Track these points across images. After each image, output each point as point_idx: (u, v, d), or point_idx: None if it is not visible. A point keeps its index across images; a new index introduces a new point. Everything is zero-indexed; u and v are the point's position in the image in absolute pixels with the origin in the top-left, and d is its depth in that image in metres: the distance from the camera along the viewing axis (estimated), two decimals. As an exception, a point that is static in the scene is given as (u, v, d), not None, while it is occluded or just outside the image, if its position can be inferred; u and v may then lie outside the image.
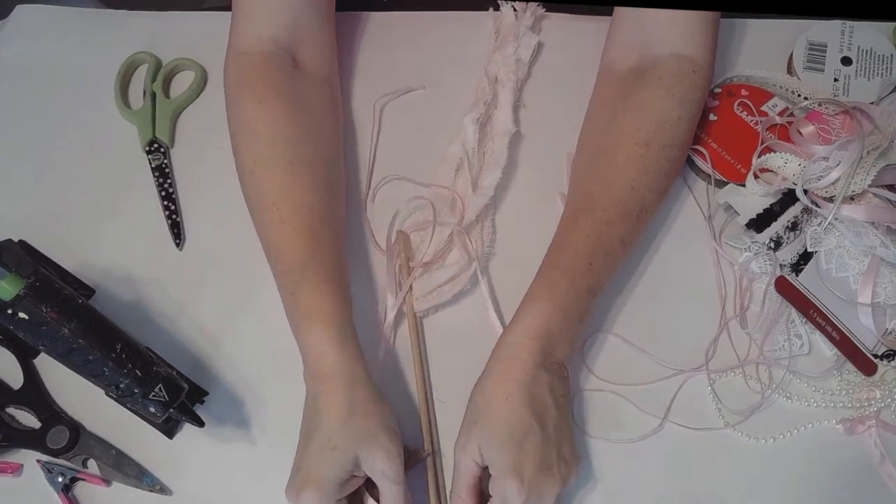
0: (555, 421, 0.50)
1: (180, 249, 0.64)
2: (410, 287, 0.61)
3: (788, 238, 0.59)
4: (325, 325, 0.51)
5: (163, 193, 0.66)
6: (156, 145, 0.69)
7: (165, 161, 0.68)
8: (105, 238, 0.65)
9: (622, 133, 0.57)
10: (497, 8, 0.72)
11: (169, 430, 0.57)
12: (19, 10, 0.77)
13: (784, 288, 0.58)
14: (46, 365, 0.60)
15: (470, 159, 0.65)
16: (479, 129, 0.65)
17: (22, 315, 0.46)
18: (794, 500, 0.53)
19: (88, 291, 0.62)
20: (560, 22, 0.73)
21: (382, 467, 0.48)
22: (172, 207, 0.66)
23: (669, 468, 0.55)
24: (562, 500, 0.54)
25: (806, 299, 0.57)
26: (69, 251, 0.63)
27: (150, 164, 0.68)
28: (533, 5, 0.72)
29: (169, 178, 0.67)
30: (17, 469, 0.56)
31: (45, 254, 0.59)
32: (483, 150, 0.66)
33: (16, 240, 0.58)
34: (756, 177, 0.60)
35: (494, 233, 0.63)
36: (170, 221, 0.65)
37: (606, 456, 0.55)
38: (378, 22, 0.74)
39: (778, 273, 0.58)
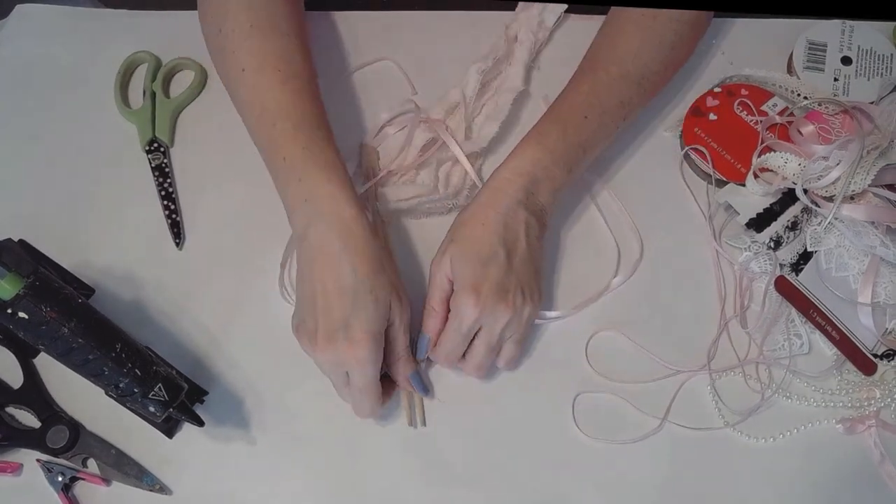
0: (522, 255, 0.53)
1: (180, 249, 0.64)
2: (374, 187, 0.63)
3: (788, 238, 0.59)
4: (342, 179, 0.53)
5: (163, 193, 0.66)
6: (156, 145, 0.69)
7: (165, 160, 0.68)
8: (105, 237, 0.65)
9: (631, 9, 0.60)
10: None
11: (169, 429, 0.57)
12: (19, 9, 0.77)
13: (784, 287, 0.58)
14: (46, 364, 0.60)
15: (467, 105, 0.65)
16: (487, 84, 0.67)
17: (22, 314, 0.46)
18: (794, 500, 0.53)
19: (88, 291, 0.62)
20: (582, 23, 0.72)
21: (404, 317, 0.52)
22: (172, 207, 0.66)
23: (669, 468, 0.55)
24: (559, 497, 0.54)
25: (806, 299, 0.57)
26: (69, 251, 0.63)
27: (150, 163, 0.68)
28: None
29: (169, 177, 0.67)
30: (17, 468, 0.56)
31: (45, 253, 0.59)
32: (482, 102, 0.67)
33: (16, 239, 0.58)
34: (756, 176, 0.60)
35: (481, 180, 0.64)
36: (170, 221, 0.65)
37: (606, 456, 0.55)
38: (377, 22, 0.74)
39: (778, 273, 0.58)
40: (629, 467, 0.55)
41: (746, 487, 0.54)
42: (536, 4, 0.70)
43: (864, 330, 0.56)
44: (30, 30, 0.76)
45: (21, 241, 0.59)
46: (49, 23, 0.76)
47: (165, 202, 0.66)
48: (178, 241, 0.64)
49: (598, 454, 0.55)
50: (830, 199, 0.57)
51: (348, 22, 0.74)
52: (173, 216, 0.65)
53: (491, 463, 0.55)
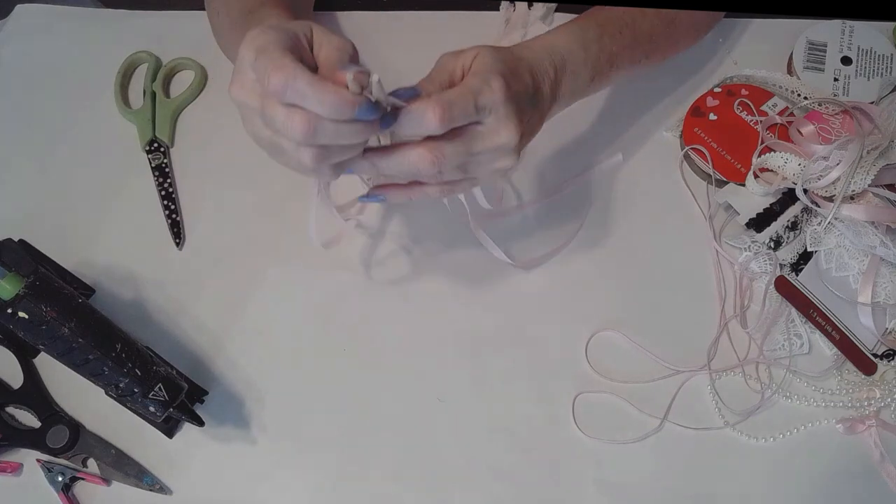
0: (540, 107, 0.48)
1: (180, 249, 0.64)
2: None
3: (788, 237, 0.59)
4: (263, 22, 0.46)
5: (162, 193, 0.66)
6: (156, 145, 0.69)
7: (165, 161, 0.68)
8: (105, 237, 0.65)
9: None
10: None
11: (168, 429, 0.57)
12: (19, 9, 0.77)
13: (784, 287, 0.58)
14: (46, 364, 0.60)
15: None
16: None
17: (22, 314, 0.46)
18: (793, 500, 0.53)
19: (88, 291, 0.62)
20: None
21: (333, 39, 0.42)
22: (172, 207, 0.66)
23: (669, 468, 0.55)
24: (559, 497, 0.54)
25: (806, 299, 0.57)
26: (69, 251, 0.63)
27: (150, 163, 0.68)
28: None
29: (169, 177, 0.67)
30: (17, 468, 0.56)
31: (45, 253, 0.59)
32: None
33: (16, 239, 0.58)
34: (756, 176, 0.60)
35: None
36: (170, 221, 0.65)
37: (606, 456, 0.55)
38: (379, 22, 0.74)
39: (778, 273, 0.58)
40: (629, 467, 0.55)
41: (747, 487, 0.54)
42: (518, 30, 0.69)
43: (865, 330, 0.56)
44: (30, 29, 0.76)
45: (21, 241, 0.59)
46: (49, 22, 0.76)
47: (165, 202, 0.66)
48: (178, 240, 0.64)
49: (598, 454, 0.55)
50: (830, 199, 0.57)
51: (349, 21, 0.74)
52: (173, 216, 0.65)
53: (490, 462, 0.55)
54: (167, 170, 0.68)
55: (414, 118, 0.41)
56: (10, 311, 0.46)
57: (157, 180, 0.67)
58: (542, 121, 0.50)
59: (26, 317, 0.46)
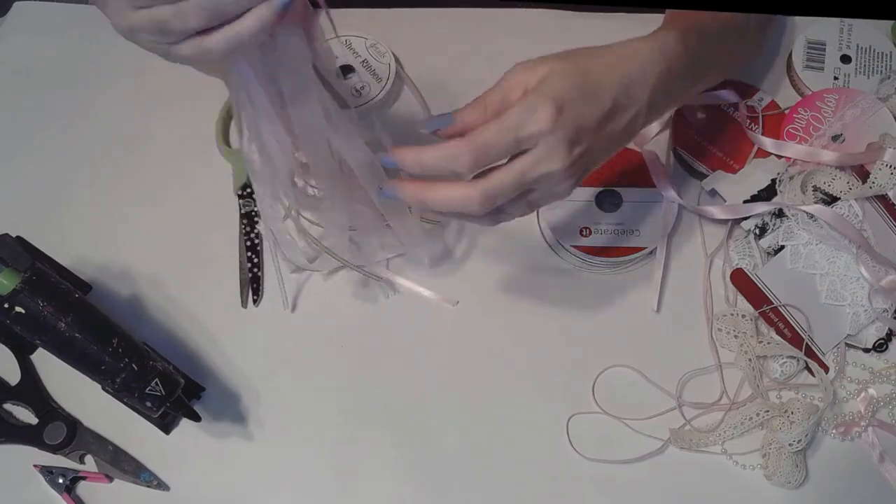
0: (614, 130, 0.44)
1: (257, 306, 0.61)
2: None
3: (775, 224, 0.58)
4: None
5: (248, 244, 0.63)
6: (249, 191, 0.64)
7: (255, 209, 0.64)
8: (102, 234, 0.65)
9: None
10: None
11: (165, 425, 0.57)
12: (17, 7, 0.76)
13: (739, 280, 0.57)
14: (44, 360, 0.59)
15: None
16: None
17: (19, 309, 0.46)
18: (795, 501, 0.53)
19: (85, 287, 0.62)
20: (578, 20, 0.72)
21: None
22: (256, 261, 0.62)
23: (671, 468, 0.55)
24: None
25: (761, 293, 0.57)
26: (66, 248, 0.62)
27: (240, 209, 0.64)
28: None
29: (257, 226, 0.63)
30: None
31: (42, 250, 0.59)
32: None
33: (13, 235, 0.58)
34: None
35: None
36: (250, 276, 0.62)
37: (604, 476, 0.55)
38: (379, 19, 0.74)
39: (761, 262, 0.58)
40: (627, 470, 0.55)
41: (747, 488, 0.54)
42: None
43: (824, 327, 0.56)
44: (28, 27, 0.76)
45: (18, 238, 0.59)
46: (47, 19, 0.76)
47: (249, 254, 0.62)
48: (255, 297, 0.61)
49: (597, 476, 0.55)
50: (836, 198, 0.57)
51: (350, 20, 0.73)
52: (255, 270, 0.62)
53: (491, 463, 0.55)
54: (257, 220, 0.63)
55: (444, 161, 0.40)
56: (6, 306, 0.46)
57: (245, 229, 0.63)
58: (623, 140, 0.46)
59: (23, 312, 0.46)
